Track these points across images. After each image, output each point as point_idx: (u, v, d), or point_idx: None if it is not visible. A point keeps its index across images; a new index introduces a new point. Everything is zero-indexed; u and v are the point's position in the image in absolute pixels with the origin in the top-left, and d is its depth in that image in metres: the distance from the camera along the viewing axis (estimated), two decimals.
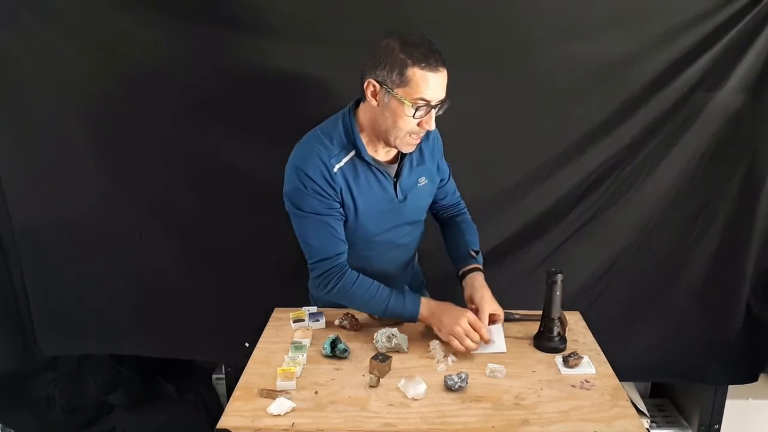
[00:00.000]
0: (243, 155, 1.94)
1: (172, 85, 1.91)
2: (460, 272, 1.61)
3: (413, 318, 1.49)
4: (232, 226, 2.03)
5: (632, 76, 1.85)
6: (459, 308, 1.46)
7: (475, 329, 1.42)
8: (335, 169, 1.45)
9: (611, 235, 2.00)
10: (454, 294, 2.04)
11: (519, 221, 2.00)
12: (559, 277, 1.41)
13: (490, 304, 1.49)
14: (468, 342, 1.40)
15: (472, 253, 1.63)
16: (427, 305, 1.48)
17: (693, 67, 1.83)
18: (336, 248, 1.49)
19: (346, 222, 1.51)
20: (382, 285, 1.50)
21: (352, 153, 1.47)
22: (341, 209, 1.49)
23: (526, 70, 1.86)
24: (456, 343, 1.41)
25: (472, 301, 1.52)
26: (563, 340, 1.47)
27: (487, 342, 1.44)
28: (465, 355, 1.43)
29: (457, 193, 1.78)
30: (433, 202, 1.71)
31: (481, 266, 1.62)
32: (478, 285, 1.55)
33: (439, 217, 1.78)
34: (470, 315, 1.43)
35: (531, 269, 2.02)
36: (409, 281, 1.74)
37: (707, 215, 1.96)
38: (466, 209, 1.79)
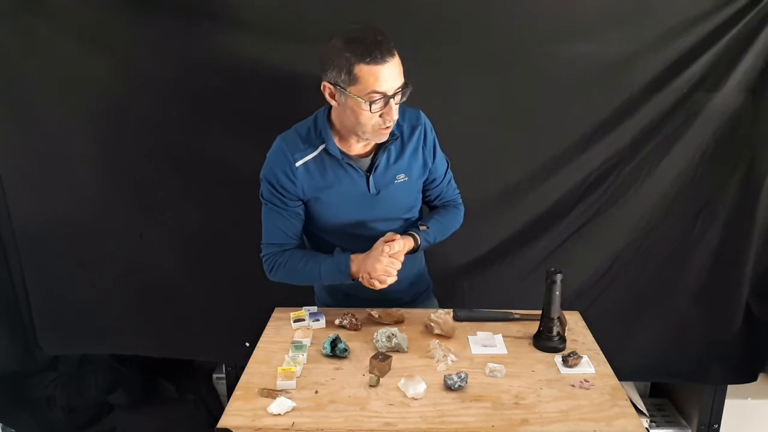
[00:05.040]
0: (244, 155, 1.93)
1: (172, 84, 1.91)
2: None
3: (347, 273, 1.51)
4: (233, 226, 2.03)
5: (632, 76, 1.85)
6: (373, 250, 1.48)
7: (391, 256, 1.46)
8: (297, 164, 1.48)
9: (611, 235, 2.00)
10: (464, 294, 2.04)
11: (519, 221, 2.00)
12: (559, 277, 1.42)
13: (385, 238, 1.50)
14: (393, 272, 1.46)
15: (421, 226, 1.60)
16: (355, 261, 1.51)
17: (693, 67, 1.83)
18: (279, 239, 1.56)
19: (314, 215, 1.55)
20: (315, 252, 1.57)
21: (321, 148, 1.49)
22: (300, 207, 1.53)
23: (525, 70, 1.86)
24: (390, 279, 1.46)
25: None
26: (563, 339, 1.47)
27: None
28: (465, 355, 1.43)
29: (456, 193, 1.74)
30: (429, 201, 1.71)
31: (416, 235, 1.57)
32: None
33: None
34: (383, 247, 1.46)
35: (531, 269, 2.02)
36: (411, 281, 1.72)
37: (707, 215, 1.97)
38: (461, 204, 1.75)
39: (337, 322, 1.55)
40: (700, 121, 1.88)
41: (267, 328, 1.57)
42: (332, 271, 1.53)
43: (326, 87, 1.41)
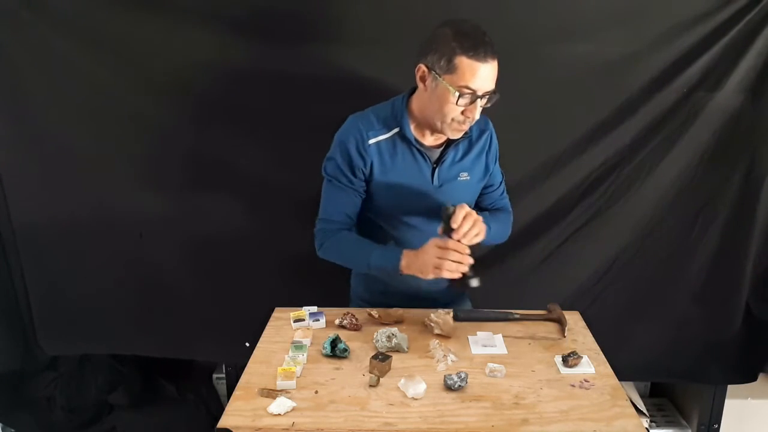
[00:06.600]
0: (244, 155, 1.95)
1: (172, 84, 1.91)
2: None
3: (396, 268, 1.47)
4: (233, 226, 2.03)
5: (632, 76, 1.86)
6: (427, 244, 1.44)
7: (450, 249, 1.40)
8: (370, 142, 1.50)
9: (611, 235, 2.00)
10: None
11: (519, 221, 1.98)
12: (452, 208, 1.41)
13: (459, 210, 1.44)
14: (452, 265, 1.39)
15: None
16: (406, 256, 1.47)
17: (693, 67, 1.83)
18: (336, 216, 1.56)
19: (373, 196, 1.55)
20: (369, 240, 1.56)
21: (396, 131, 1.51)
22: (363, 188, 1.54)
23: (525, 70, 1.85)
24: (446, 273, 1.39)
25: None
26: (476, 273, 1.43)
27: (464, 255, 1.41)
28: (465, 355, 1.43)
29: (508, 201, 1.75)
30: (481, 205, 1.71)
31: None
32: None
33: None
34: (437, 241, 1.42)
35: (531, 269, 2.03)
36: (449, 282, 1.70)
37: (707, 215, 1.97)
38: (511, 212, 1.75)
39: (337, 322, 1.55)
40: (700, 121, 1.88)
41: (267, 328, 1.57)
42: (382, 261, 1.51)
43: (420, 68, 1.43)
